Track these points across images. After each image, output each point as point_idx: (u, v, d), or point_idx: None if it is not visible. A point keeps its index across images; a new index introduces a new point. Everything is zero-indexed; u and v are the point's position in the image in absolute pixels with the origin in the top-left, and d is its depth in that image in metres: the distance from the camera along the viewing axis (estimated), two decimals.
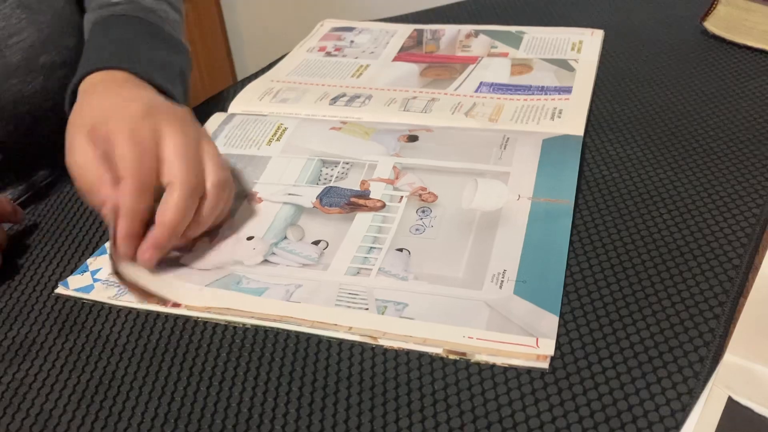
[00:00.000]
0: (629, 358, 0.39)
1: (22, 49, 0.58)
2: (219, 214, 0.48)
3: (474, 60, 0.69)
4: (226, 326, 0.43)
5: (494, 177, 0.53)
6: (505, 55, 0.70)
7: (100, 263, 0.49)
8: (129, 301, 0.46)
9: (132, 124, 0.45)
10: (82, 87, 0.54)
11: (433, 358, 0.40)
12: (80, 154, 0.47)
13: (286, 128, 0.61)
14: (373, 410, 0.37)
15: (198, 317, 0.44)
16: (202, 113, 0.67)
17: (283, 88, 0.68)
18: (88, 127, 0.47)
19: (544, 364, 0.39)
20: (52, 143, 0.64)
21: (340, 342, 0.41)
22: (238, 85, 0.71)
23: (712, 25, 0.70)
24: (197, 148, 0.47)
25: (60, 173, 0.67)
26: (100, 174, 0.45)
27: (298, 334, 0.42)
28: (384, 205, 0.51)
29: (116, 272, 0.47)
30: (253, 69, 0.76)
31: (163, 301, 0.45)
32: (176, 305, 0.45)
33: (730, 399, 0.35)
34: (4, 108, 0.58)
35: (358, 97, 0.64)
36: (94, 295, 0.47)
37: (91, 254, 0.50)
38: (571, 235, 0.47)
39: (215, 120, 0.64)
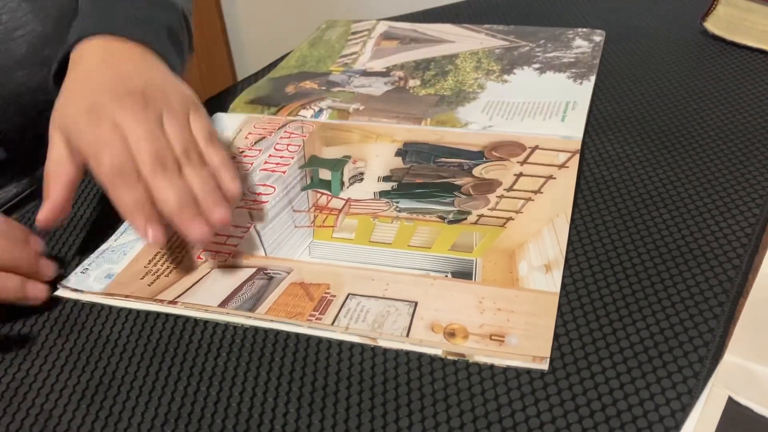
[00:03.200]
0: (629, 358, 0.39)
1: (27, 42, 0.58)
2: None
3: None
4: (226, 326, 0.43)
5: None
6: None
7: (99, 262, 0.49)
8: (125, 298, 0.46)
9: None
10: (74, 58, 0.52)
11: (432, 358, 0.40)
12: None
13: None
14: (373, 410, 0.37)
15: (198, 317, 0.44)
16: None
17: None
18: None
19: (543, 366, 0.39)
20: None
21: (340, 342, 0.41)
22: (238, 85, 0.71)
23: (712, 25, 0.70)
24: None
25: None
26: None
27: (297, 335, 0.42)
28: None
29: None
30: (253, 69, 0.76)
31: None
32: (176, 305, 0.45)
33: (729, 399, 0.35)
34: (10, 100, 0.58)
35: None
36: (90, 294, 0.47)
37: (91, 253, 0.50)
38: (571, 235, 0.47)
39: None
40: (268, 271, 0.47)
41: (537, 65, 0.69)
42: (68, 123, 0.47)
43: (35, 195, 0.64)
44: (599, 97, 0.63)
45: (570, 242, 0.47)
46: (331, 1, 1.71)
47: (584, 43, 0.72)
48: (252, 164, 0.58)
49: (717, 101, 0.60)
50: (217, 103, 0.68)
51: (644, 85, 0.64)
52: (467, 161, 0.55)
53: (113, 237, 0.52)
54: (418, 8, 0.85)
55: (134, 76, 0.49)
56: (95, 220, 0.54)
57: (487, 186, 0.52)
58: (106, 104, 0.46)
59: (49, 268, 0.47)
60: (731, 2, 0.69)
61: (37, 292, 0.45)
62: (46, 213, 0.46)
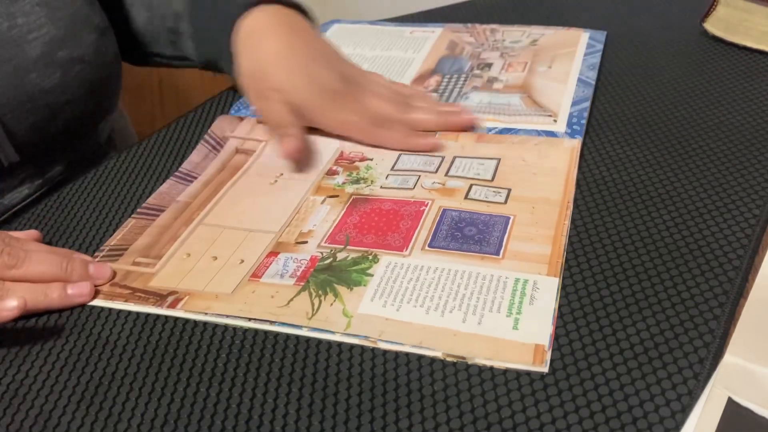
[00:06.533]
0: (629, 358, 0.39)
1: (41, 44, 0.59)
2: None
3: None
4: (226, 327, 0.43)
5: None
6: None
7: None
8: (123, 294, 0.46)
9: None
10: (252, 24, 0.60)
11: (432, 360, 0.40)
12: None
13: None
14: (373, 411, 0.37)
15: (197, 319, 0.44)
16: (201, 113, 0.67)
17: None
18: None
19: (542, 369, 0.39)
20: (67, 138, 0.64)
21: (340, 343, 0.41)
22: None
23: (711, 25, 0.70)
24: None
25: (75, 169, 0.67)
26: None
27: (297, 336, 0.42)
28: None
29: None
30: None
31: None
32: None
33: (730, 400, 0.35)
34: (23, 102, 0.59)
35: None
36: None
37: (91, 253, 0.50)
38: (571, 235, 0.47)
39: None
40: None
41: None
42: (304, 102, 0.57)
43: (46, 196, 0.64)
44: (599, 97, 0.63)
45: (570, 242, 0.47)
46: (331, 1, 1.71)
47: (586, 41, 0.72)
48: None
49: (717, 101, 0.60)
50: (217, 103, 0.68)
51: (644, 85, 0.64)
52: None
53: (113, 236, 0.52)
54: (418, 8, 0.85)
55: (334, 60, 0.60)
56: (95, 219, 0.54)
57: None
58: (338, 90, 0.57)
59: (103, 270, 0.48)
60: (731, 3, 0.69)
61: (78, 291, 0.46)
62: (292, 153, 0.56)
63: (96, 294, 0.47)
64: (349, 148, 0.59)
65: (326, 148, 0.59)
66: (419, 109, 0.59)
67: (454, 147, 0.58)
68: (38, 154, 0.63)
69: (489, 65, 0.69)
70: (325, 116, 0.58)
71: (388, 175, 0.55)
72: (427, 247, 0.47)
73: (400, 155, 0.57)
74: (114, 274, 0.48)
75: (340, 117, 0.58)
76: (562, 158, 0.54)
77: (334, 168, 0.56)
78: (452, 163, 0.56)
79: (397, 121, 0.58)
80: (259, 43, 0.59)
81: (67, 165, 0.67)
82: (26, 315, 0.45)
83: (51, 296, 0.45)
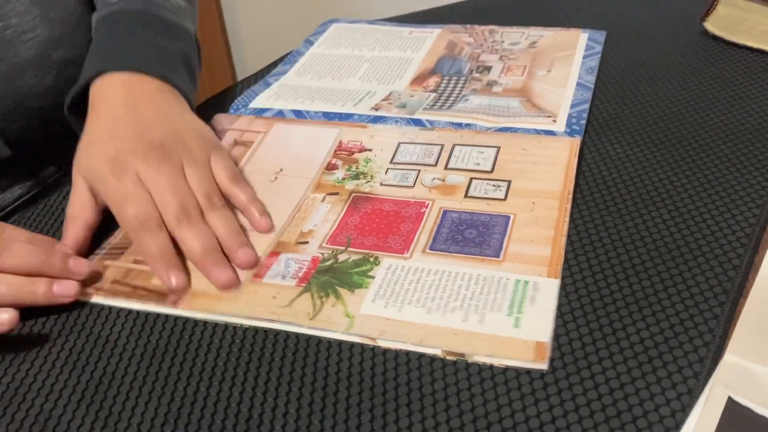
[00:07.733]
0: (629, 358, 0.39)
1: (35, 45, 0.59)
2: None
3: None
4: (226, 326, 0.43)
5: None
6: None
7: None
8: (124, 292, 0.46)
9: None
10: (94, 95, 0.54)
11: (432, 359, 0.40)
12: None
13: None
14: (373, 410, 0.37)
15: (198, 317, 0.44)
16: (202, 113, 0.67)
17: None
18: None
19: (543, 365, 0.39)
20: (60, 140, 0.64)
21: (340, 342, 0.41)
22: (238, 86, 0.71)
23: (712, 25, 0.70)
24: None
25: (67, 170, 0.67)
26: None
27: (297, 335, 0.42)
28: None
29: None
30: (253, 69, 0.76)
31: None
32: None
33: (729, 399, 0.35)
34: (17, 102, 0.59)
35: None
36: (91, 294, 0.47)
37: (92, 252, 0.50)
38: (571, 234, 0.47)
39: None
40: None
41: None
42: (92, 170, 0.50)
43: (39, 197, 0.64)
44: (599, 96, 0.63)
45: (570, 242, 0.47)
46: (331, 0, 1.71)
47: (584, 43, 0.72)
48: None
49: (717, 101, 0.60)
50: (216, 103, 0.68)
51: (644, 85, 0.64)
52: None
53: (114, 235, 0.52)
54: (418, 8, 0.85)
55: (155, 126, 0.51)
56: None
57: None
58: (129, 157, 0.49)
59: (82, 266, 0.46)
60: (731, 2, 0.69)
61: (63, 290, 0.45)
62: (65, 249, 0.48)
63: (97, 292, 0.47)
64: (348, 137, 0.59)
65: (325, 138, 0.59)
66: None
67: (454, 137, 0.58)
68: (31, 155, 0.63)
69: (488, 68, 0.69)
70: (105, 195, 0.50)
71: (387, 169, 0.55)
72: (427, 250, 0.47)
73: (399, 144, 0.57)
74: (94, 272, 0.47)
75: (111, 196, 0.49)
76: (562, 148, 0.55)
77: (334, 161, 0.56)
78: (452, 152, 0.56)
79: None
80: (89, 120, 0.53)
81: (61, 165, 0.66)
82: (26, 315, 0.45)
83: (36, 292, 0.45)
